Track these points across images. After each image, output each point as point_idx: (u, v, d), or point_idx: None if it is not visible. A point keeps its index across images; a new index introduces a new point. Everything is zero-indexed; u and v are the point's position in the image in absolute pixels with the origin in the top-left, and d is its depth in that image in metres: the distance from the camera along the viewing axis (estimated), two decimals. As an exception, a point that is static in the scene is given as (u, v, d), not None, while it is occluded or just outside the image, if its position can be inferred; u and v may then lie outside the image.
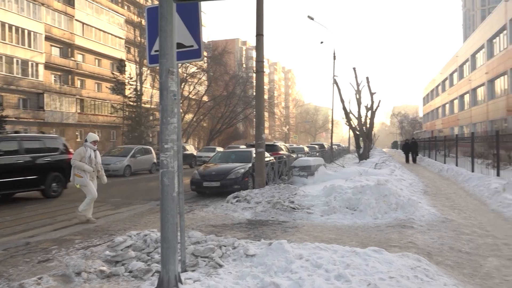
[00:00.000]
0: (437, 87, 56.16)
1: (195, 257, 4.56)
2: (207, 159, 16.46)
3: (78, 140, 36.20)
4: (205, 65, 39.23)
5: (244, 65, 54.86)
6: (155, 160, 21.59)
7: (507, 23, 27.24)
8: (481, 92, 34.97)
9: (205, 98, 41.38)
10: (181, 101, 34.31)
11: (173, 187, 3.24)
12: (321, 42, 29.40)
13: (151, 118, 35.49)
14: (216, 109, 41.74)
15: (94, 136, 8.22)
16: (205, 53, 36.49)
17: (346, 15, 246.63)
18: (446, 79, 49.63)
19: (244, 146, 23.25)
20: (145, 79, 35.83)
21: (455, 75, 44.60)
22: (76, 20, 37.12)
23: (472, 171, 14.66)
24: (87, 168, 7.79)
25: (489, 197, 9.61)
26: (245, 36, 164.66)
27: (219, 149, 28.70)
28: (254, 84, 13.20)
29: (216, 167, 12.46)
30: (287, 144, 31.80)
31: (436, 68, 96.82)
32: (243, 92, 42.69)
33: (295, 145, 37.70)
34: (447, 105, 48.49)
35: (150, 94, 36.51)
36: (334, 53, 29.01)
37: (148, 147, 23.26)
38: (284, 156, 15.83)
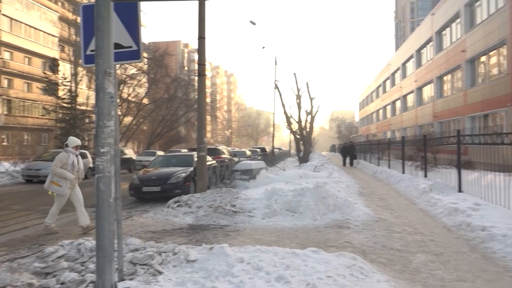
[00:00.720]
0: (371, 93, 59.21)
1: (133, 265, 4.41)
2: (147, 163, 16.02)
3: (4, 144, 33.62)
4: (145, 67, 38.21)
5: (186, 68, 54.16)
6: (91, 165, 20.60)
7: (433, 35, 29.43)
8: (411, 99, 37.39)
9: (145, 101, 40.27)
10: (119, 104, 33.07)
11: (110, 193, 3.12)
12: (263, 47, 29.78)
13: (87, 120, 33.81)
14: (156, 112, 40.76)
15: (75, 140, 7.56)
16: (145, 55, 35.55)
17: (287, 22, 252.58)
18: (379, 86, 52.49)
19: (185, 150, 22.94)
20: (80, 80, 34.08)
21: (388, 83, 47.32)
22: (3, 14, 34.53)
23: (403, 172, 15.61)
24: (69, 176, 7.10)
25: (418, 197, 10.29)
26: (187, 38, 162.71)
27: (160, 153, 28.06)
28: (196, 87, 13.09)
29: (157, 171, 12.16)
30: (229, 148, 31.84)
31: (371, 75, 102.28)
32: (185, 95, 42.11)
33: (237, 149, 37.88)
34: (381, 111, 51.27)
35: (86, 95, 34.77)
36: (275, 59, 29.61)
37: (84, 151, 22.13)
38: (226, 160, 15.83)
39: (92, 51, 4.08)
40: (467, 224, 6.62)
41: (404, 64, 39.60)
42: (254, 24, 26.95)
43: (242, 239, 6.26)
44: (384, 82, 49.64)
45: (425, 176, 13.29)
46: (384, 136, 46.18)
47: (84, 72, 34.61)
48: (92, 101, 34.62)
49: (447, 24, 26.90)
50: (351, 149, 28.62)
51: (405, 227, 7.00)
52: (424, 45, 32.69)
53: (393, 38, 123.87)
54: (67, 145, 7.46)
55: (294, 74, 24.60)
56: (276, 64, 29.30)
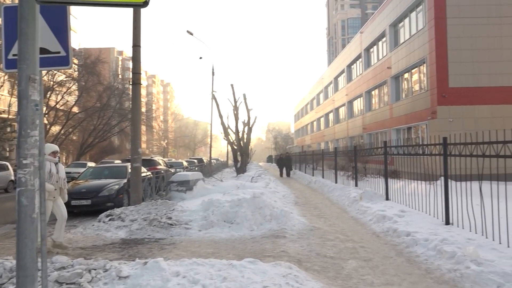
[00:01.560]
0: (306, 105, 61.26)
1: (59, 284, 4.13)
2: (77, 176, 15.17)
3: None
4: (75, 74, 36.33)
5: (120, 76, 52.26)
6: (12, 178, 19.08)
7: (362, 52, 31.25)
8: (342, 112, 39.22)
9: (75, 109, 38.21)
10: (46, 112, 30.99)
11: (33, 208, 2.90)
12: (200, 58, 29.71)
13: (8, 129, 31.32)
14: (88, 121, 38.81)
15: (51, 146, 6.81)
16: (75, 61, 33.79)
17: (225, 34, 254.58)
18: (314, 98, 54.50)
19: (119, 161, 22.02)
20: (1, 86, 31.60)
21: (321, 95, 49.29)
22: None
23: (336, 182, 16.25)
24: (47, 186, 6.32)
25: (349, 205, 10.75)
26: (122, 45, 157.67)
27: (91, 164, 26.70)
28: (131, 96, 12.69)
29: (87, 183, 11.54)
30: (165, 159, 31.12)
31: (305, 88, 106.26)
32: (118, 104, 40.56)
33: (173, 160, 37.12)
34: (315, 122, 53.18)
35: (8, 102, 32.27)
36: (213, 69, 29.61)
37: (4, 162, 20.47)
38: (162, 171, 15.45)
39: (14, 55, 3.81)
40: (394, 230, 7.02)
41: (336, 78, 41.53)
42: (191, 34, 26.80)
43: (178, 252, 6.12)
44: (318, 95, 51.63)
45: (356, 185, 13.95)
46: (318, 147, 47.89)
47: (6, 77, 32.15)
48: (15, 108, 32.20)
49: (375, 42, 28.72)
50: (288, 160, 28.97)
51: (337, 235, 7.27)
52: (354, 61, 34.58)
53: (326, 53, 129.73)
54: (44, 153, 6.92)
55: (232, 85, 24.76)
56: (213, 74, 29.31)
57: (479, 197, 6.08)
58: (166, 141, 78.76)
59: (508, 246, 5.34)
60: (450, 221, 7.12)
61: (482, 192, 5.96)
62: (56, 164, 6.67)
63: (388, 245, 6.41)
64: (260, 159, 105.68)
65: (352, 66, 35.60)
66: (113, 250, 6.38)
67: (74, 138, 41.43)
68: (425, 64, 20.44)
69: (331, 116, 44.06)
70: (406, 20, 23.32)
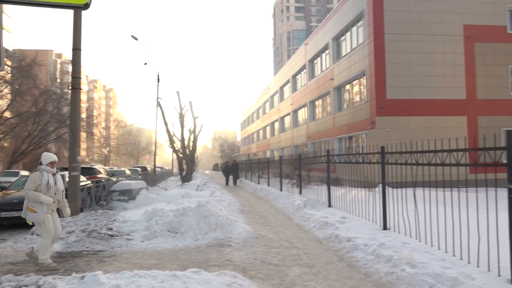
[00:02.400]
0: (252, 114, 61.86)
1: (-16, 304, 3.81)
2: (8, 185, 14.14)
3: None
4: (8, 76, 34.01)
5: (58, 80, 49.63)
6: None
7: (307, 63, 32.20)
8: (287, 121, 40.04)
9: (7, 114, 35.71)
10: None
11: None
12: (145, 64, 28.99)
13: None
14: (21, 127, 36.33)
15: (50, 156, 6.28)
16: (8, 62, 31.68)
17: (171, 40, 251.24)
18: (260, 107, 55.17)
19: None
20: None
21: (267, 105, 50.02)
22: None
23: (281, 190, 16.49)
24: (44, 199, 5.80)
25: (294, 212, 10.94)
26: (61, 48, 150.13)
27: (24, 173, 25.02)
28: (70, 101, 12.09)
29: (19, 194, 10.78)
30: (106, 167, 29.94)
31: (252, 96, 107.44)
32: (56, 109, 38.41)
33: (115, 168, 35.79)
34: (261, 131, 53.81)
35: None
36: (158, 75, 29.02)
37: None
38: (103, 180, 14.83)
39: None
40: (336, 236, 7.24)
41: (281, 88, 42.37)
42: (136, 39, 26.15)
43: (119, 264, 5.88)
44: (264, 104, 52.35)
45: (300, 193, 14.25)
46: (264, 156, 48.42)
47: None
48: None
49: (318, 54, 29.72)
50: (235, 168, 28.10)
51: (282, 242, 7.36)
52: (299, 72, 35.52)
53: (272, 62, 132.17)
54: (41, 163, 6.21)
55: (177, 92, 24.45)
56: (158, 81, 28.72)
57: (414, 203, 6.45)
58: (108, 148, 75.70)
59: (439, 249, 5.70)
60: (388, 226, 7.47)
61: (416, 198, 6.32)
62: (53, 175, 6.17)
63: (330, 251, 6.60)
64: (206, 167, 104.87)
65: (297, 77, 36.53)
66: (48, 265, 5.99)
67: (6, 145, 38.64)
68: (365, 77, 21.45)
69: (276, 125, 44.80)
70: (348, 34, 24.39)
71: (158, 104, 26.15)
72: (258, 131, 56.43)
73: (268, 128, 49.27)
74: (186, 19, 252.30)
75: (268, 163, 21.76)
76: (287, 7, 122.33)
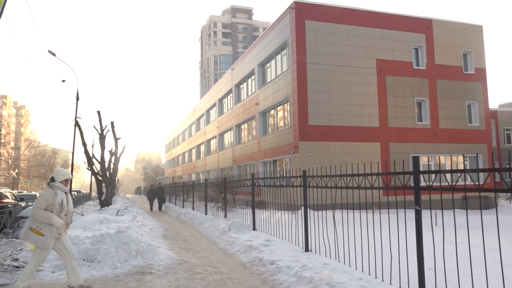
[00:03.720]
0: (178, 136, 60.91)
1: None
2: None
3: None
4: None
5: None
6: None
7: (233, 88, 32.72)
8: (213, 143, 40.02)
9: None
10: None
11: None
12: (63, 81, 27.35)
13: None
14: None
15: (64, 172, 5.56)
16: None
17: (94, 59, 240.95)
18: (186, 129, 54.56)
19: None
20: None
21: (193, 127, 49.67)
22: None
23: (206, 214, 16.28)
24: (56, 221, 5.09)
25: (218, 236, 10.84)
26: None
27: None
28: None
29: None
30: (14, 191, 27.35)
31: (178, 118, 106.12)
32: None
33: (25, 192, 32.81)
34: (186, 154, 53.05)
35: None
36: (77, 94, 27.52)
37: None
38: (10, 205, 13.51)
39: None
40: (260, 259, 7.28)
41: (208, 111, 42.43)
42: (53, 54, 24.68)
43: (24, 299, 5.32)
44: (190, 126, 51.90)
45: (225, 216, 14.18)
46: (190, 179, 47.65)
47: None
48: None
49: (244, 79, 30.41)
50: (160, 191, 26.20)
51: (206, 267, 7.22)
52: (225, 96, 35.93)
53: (199, 85, 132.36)
54: (52, 179, 5.40)
55: (98, 112, 23.32)
56: (78, 99, 27.21)
57: (333, 225, 6.74)
58: (16, 170, 69.33)
59: (356, 268, 5.98)
60: (310, 248, 7.69)
61: (335, 220, 6.62)
62: (66, 194, 5.51)
63: (254, 275, 6.61)
64: (128, 190, 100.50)
65: (224, 100, 36.89)
66: None
67: None
68: (288, 103, 22.32)
69: (202, 147, 44.54)
70: (273, 62, 25.33)
71: (77, 124, 24.70)
72: (183, 153, 55.58)
73: (194, 150, 48.78)
74: (111, 37, 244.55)
75: (193, 186, 21.43)
76: (215, 32, 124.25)
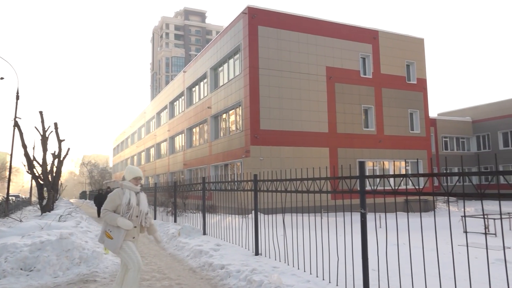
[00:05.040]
0: (127, 139, 59.14)
1: None
2: None
3: None
4: None
5: None
6: None
7: (185, 90, 32.34)
8: (164, 147, 39.27)
9: None
10: None
11: None
12: (1, 78, 25.62)
13: None
14: None
15: (134, 170, 5.00)
16: None
17: (37, 56, 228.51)
18: (135, 132, 53.11)
19: None
20: None
21: (143, 130, 48.46)
22: None
23: (155, 218, 15.91)
24: (122, 222, 4.58)
25: (168, 242, 10.62)
26: None
27: None
28: None
29: None
30: None
31: (127, 121, 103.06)
32: None
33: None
34: (135, 157, 51.62)
35: None
36: (17, 92, 25.95)
37: None
38: None
39: None
40: (209, 264, 7.22)
41: (158, 113, 41.60)
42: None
43: (-48, 313, 4.91)
44: (140, 129, 50.60)
45: (175, 221, 13.93)
46: (138, 182, 46.30)
47: None
48: None
49: (197, 82, 30.16)
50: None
51: (154, 274, 7.05)
52: (177, 98, 35.41)
53: (149, 87, 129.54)
54: (123, 178, 4.91)
55: (41, 112, 22.12)
56: (18, 98, 25.67)
57: (283, 228, 6.82)
58: None
59: (305, 271, 6.09)
60: (260, 252, 7.74)
61: (285, 223, 6.71)
62: (137, 193, 4.95)
63: (204, 280, 6.54)
64: (72, 195, 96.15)
65: (175, 103, 36.35)
66: None
67: None
68: (240, 107, 22.40)
69: (152, 151, 43.56)
70: (225, 66, 25.34)
71: (16, 124, 23.26)
72: (132, 156, 54.02)
73: (143, 154, 47.57)
74: (57, 34, 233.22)
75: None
76: (167, 34, 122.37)
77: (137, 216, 4.86)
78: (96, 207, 23.71)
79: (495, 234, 14.06)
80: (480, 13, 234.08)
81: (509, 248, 9.66)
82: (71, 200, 59.05)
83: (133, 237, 4.85)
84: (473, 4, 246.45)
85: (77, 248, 7.55)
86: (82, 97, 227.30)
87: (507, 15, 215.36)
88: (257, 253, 7.70)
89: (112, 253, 4.96)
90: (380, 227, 6.03)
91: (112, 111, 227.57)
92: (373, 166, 24.41)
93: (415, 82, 27.05)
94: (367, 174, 4.94)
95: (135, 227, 4.82)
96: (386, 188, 4.37)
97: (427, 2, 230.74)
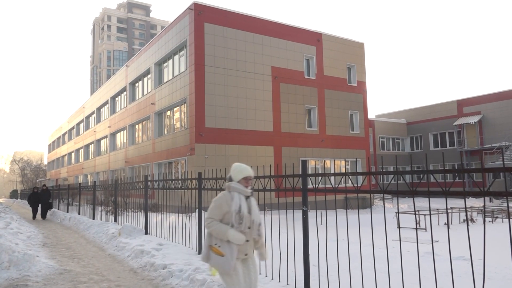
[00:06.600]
0: (63, 135, 56.10)
1: None
2: None
3: None
4: None
5: None
6: None
7: (127, 86, 31.27)
8: (104, 144, 37.74)
9: None
10: None
11: None
12: None
13: None
14: None
15: (243, 168, 3.86)
16: None
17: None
18: (73, 128, 50.52)
19: None
20: None
21: (82, 125, 46.23)
22: None
23: (94, 218, 15.26)
24: (233, 236, 3.57)
25: (107, 242, 10.23)
26: None
27: None
28: None
29: None
30: None
31: (64, 116, 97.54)
32: None
33: None
34: (73, 154, 49.12)
35: None
36: None
37: None
38: None
39: None
40: (151, 264, 7.05)
41: (99, 109, 39.90)
42: None
43: None
44: (78, 124, 48.24)
45: (115, 220, 13.45)
46: (76, 181, 44.24)
47: None
48: None
49: (140, 78, 29.28)
50: (45, 195, 21.17)
51: (92, 276, 6.76)
52: (119, 93, 34.16)
53: (89, 81, 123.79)
54: (230, 179, 3.85)
55: (-34, 104, 20.33)
56: None
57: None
58: None
59: (248, 268, 6.14)
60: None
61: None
62: (247, 198, 3.88)
63: (145, 280, 6.38)
64: (2, 194, 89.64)
65: (117, 98, 35.05)
66: None
67: None
68: (185, 104, 22.09)
69: (91, 147, 41.70)
70: (170, 62, 24.85)
71: None
72: (70, 153, 51.33)
73: (82, 150, 45.38)
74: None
75: (79, 189, 19.87)
76: (109, 26, 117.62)
77: (249, 228, 3.83)
78: (30, 207, 21.63)
79: (425, 229, 15.07)
80: (416, 22, 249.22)
81: (437, 241, 10.41)
82: (0, 200, 54.98)
83: (246, 254, 3.85)
84: (411, 13, 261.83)
85: (6, 251, 7.05)
86: (14, 90, 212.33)
87: (438, 25, 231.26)
88: (200, 252, 7.65)
89: (222, 274, 3.76)
90: (322, 224, 6.23)
91: (47, 105, 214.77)
92: (315, 165, 25.11)
93: (356, 85, 28.22)
94: (309, 172, 5.08)
95: (247, 241, 3.82)
96: (327, 186, 4.52)
97: (367, 9, 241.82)
